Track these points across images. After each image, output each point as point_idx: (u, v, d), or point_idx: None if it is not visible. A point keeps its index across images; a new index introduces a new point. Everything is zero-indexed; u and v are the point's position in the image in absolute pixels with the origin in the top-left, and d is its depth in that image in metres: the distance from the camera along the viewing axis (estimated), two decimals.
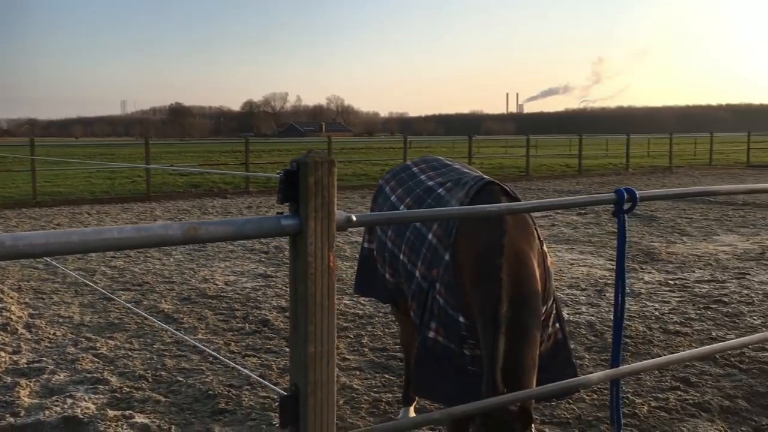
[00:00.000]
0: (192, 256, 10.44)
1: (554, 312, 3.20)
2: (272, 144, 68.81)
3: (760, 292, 7.87)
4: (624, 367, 2.57)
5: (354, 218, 2.04)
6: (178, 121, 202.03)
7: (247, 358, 5.76)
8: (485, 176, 3.46)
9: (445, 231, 3.16)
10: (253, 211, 16.16)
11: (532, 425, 2.54)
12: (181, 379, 5.28)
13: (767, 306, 7.25)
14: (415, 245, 3.35)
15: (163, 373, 5.42)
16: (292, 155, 43.77)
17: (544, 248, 3.16)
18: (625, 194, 2.58)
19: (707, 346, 3.07)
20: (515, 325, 2.75)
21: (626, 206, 2.61)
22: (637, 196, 2.60)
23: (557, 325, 3.22)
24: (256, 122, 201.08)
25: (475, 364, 3.01)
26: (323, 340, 1.99)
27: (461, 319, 2.99)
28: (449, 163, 3.94)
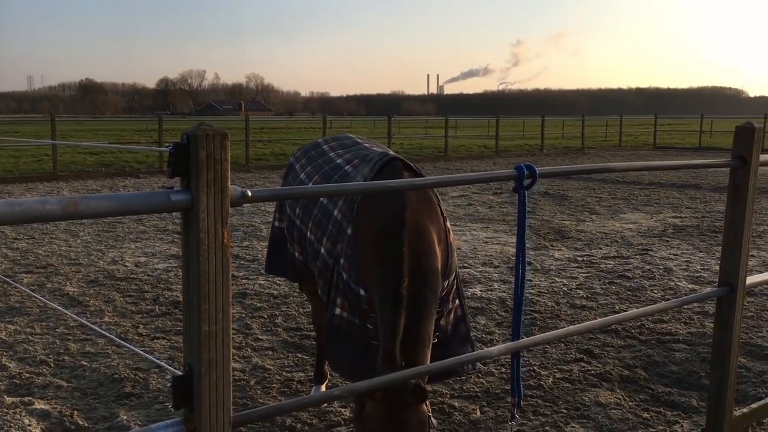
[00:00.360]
0: (101, 237, 10.06)
1: (455, 287, 3.24)
2: (189, 122, 66.99)
3: (661, 267, 8.25)
4: (523, 340, 2.63)
5: (249, 193, 1.99)
6: (88, 98, 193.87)
7: (156, 340, 5.61)
8: (391, 152, 3.45)
9: (348, 206, 3.15)
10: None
11: (427, 401, 2.58)
12: (85, 363, 5.09)
13: (667, 280, 7.61)
14: (322, 222, 3.32)
15: (66, 357, 5.21)
16: None
17: (447, 224, 3.19)
18: (525, 171, 2.63)
19: (601, 319, 3.19)
20: (414, 300, 2.76)
21: (526, 182, 2.66)
22: (537, 172, 2.65)
23: (457, 301, 3.26)
24: (172, 100, 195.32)
25: (378, 337, 3.02)
26: (217, 319, 1.94)
27: (362, 292, 2.99)
28: (360, 141, 3.92)
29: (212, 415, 1.96)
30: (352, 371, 3.24)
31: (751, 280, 3.71)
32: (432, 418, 2.75)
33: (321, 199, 3.34)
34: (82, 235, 10.21)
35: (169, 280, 7.57)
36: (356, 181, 3.25)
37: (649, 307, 3.42)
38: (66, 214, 1.68)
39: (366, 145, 3.81)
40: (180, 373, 1.99)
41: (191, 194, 1.85)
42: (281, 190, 2.16)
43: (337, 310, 3.10)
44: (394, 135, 28.66)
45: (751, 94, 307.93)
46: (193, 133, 1.83)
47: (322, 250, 3.27)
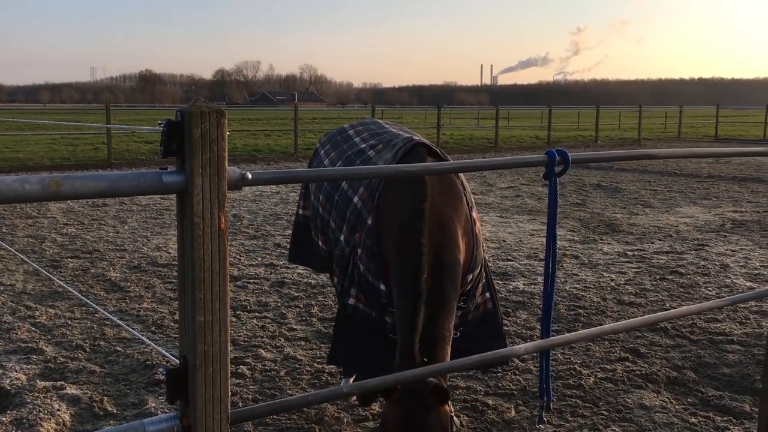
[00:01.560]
0: (147, 224, 10.18)
1: (483, 281, 3.06)
2: (243, 113, 67.87)
3: (717, 263, 7.86)
4: (552, 338, 2.45)
5: (249, 176, 1.86)
6: (148, 88, 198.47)
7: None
8: (417, 137, 3.29)
9: (370, 194, 3.00)
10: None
11: (450, 402, 2.42)
12: (119, 349, 5.10)
13: (723, 277, 7.24)
14: (341, 209, 3.18)
15: (101, 342, 5.23)
16: (262, 124, 43.06)
17: (474, 214, 3.01)
18: (557, 156, 2.44)
19: (643, 317, 2.96)
20: (434, 294, 2.61)
21: (558, 169, 2.47)
22: (569, 158, 2.46)
23: (487, 294, 3.09)
24: (228, 91, 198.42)
25: (396, 330, 2.87)
26: (214, 309, 1.82)
27: (382, 287, 2.84)
28: (387, 126, 3.76)
29: (208, 411, 1.85)
30: (357, 366, 3.10)
31: None
32: (455, 418, 2.60)
33: (342, 184, 3.20)
34: (130, 221, 10.34)
35: None
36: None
37: (698, 304, 3.18)
38: (47, 195, 1.58)
39: (393, 130, 3.65)
40: (175, 365, 1.88)
41: (185, 175, 1.73)
42: (283, 172, 2.03)
43: (351, 301, 2.96)
44: (444, 125, 28.35)
45: None
46: (187, 110, 1.71)
47: (341, 238, 3.13)
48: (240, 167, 1.85)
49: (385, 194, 2.91)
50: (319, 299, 6.36)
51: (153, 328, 5.57)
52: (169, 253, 8.27)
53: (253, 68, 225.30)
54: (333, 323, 5.72)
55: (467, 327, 2.82)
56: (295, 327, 5.61)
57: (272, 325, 5.59)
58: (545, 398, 2.61)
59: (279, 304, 6.22)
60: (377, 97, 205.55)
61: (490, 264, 4.36)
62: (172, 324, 5.66)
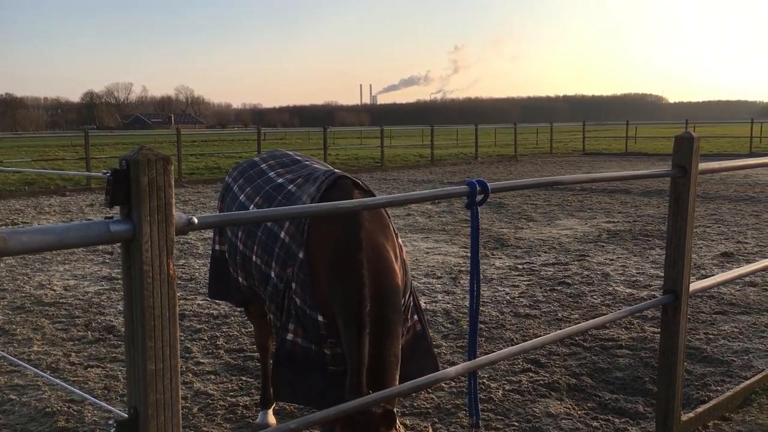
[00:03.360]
0: (26, 260, 9.59)
1: (412, 304, 3.17)
2: (116, 137, 65.20)
3: (599, 272, 8.40)
4: (480, 359, 2.58)
5: (196, 221, 1.87)
6: (9, 113, 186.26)
7: (89, 369, 5.33)
8: (336, 170, 3.36)
9: (297, 228, 3.03)
10: (95, 210, 15.16)
11: (397, 423, 2.49)
12: (14, 397, 4.79)
13: (605, 285, 7.75)
14: (268, 245, 3.19)
15: None
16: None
17: (399, 241, 3.12)
18: (477, 186, 2.58)
19: (559, 331, 3.17)
20: (379, 322, 2.68)
21: (478, 198, 2.61)
22: (489, 188, 2.61)
23: (415, 316, 3.19)
24: (98, 114, 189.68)
25: (336, 362, 2.92)
26: (165, 356, 1.81)
27: (320, 318, 2.88)
28: (299, 158, 3.81)
29: None
30: (299, 398, 3.12)
31: (694, 286, 3.77)
32: None
33: None
34: (6, 258, 9.71)
35: (101, 303, 7.25)
36: (303, 201, 3.14)
37: (598, 318, 3.43)
38: None
39: (306, 162, 3.70)
40: (124, 415, 1.85)
41: (133, 224, 1.72)
42: (230, 215, 2.05)
43: (290, 336, 2.98)
44: (330, 146, 28.53)
45: (671, 100, 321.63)
46: (133, 158, 1.71)
47: (272, 274, 3.14)
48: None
49: (316, 227, 2.95)
50: (224, 330, 6.25)
51: (48, 373, 5.27)
52: (54, 290, 7.85)
53: (125, 90, 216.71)
54: (240, 354, 5.67)
55: (402, 352, 2.90)
56: (202, 361, 5.49)
57: (179, 358, 5.44)
58: (474, 417, 2.73)
59: (182, 337, 6.06)
60: (258, 117, 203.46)
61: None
62: (68, 367, 5.38)
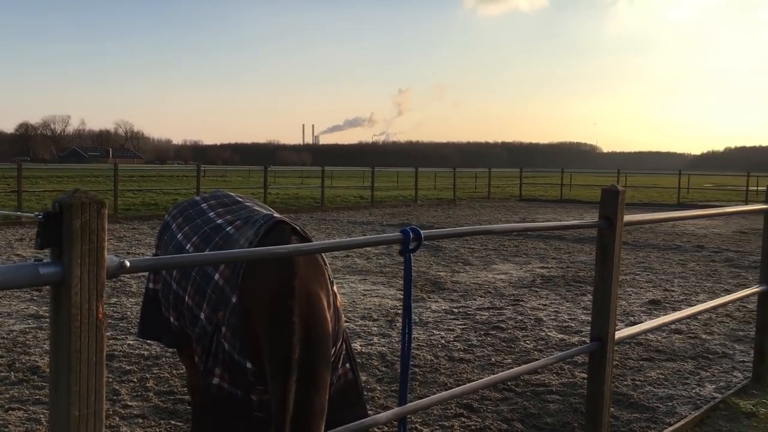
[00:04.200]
0: None
1: (344, 352, 3.19)
2: (51, 170, 63.44)
3: (532, 317, 8.57)
4: (411, 404, 2.61)
5: (128, 264, 1.87)
6: None
7: (11, 412, 5.12)
8: (276, 214, 3.38)
9: (232, 271, 3.03)
10: (25, 244, 14.65)
11: None
12: None
13: (538, 330, 7.91)
14: (201, 286, 3.17)
15: None
16: (74, 183, 40.40)
17: (334, 288, 3.14)
18: (411, 234, 2.65)
19: (492, 376, 3.23)
20: (306, 370, 2.68)
21: (411, 245, 2.68)
22: (422, 235, 2.68)
23: (347, 364, 3.21)
24: (32, 146, 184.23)
25: (263, 409, 2.90)
26: (89, 401, 1.78)
27: (248, 365, 2.87)
28: (240, 199, 3.82)
29: None
30: None
31: (620, 334, 3.91)
32: None
33: None
34: None
35: (27, 342, 6.98)
36: (240, 245, 3.15)
37: (529, 364, 3.52)
38: None
39: (248, 204, 3.70)
40: None
41: (63, 267, 1.71)
42: (163, 260, 2.05)
43: (215, 380, 2.95)
44: (270, 185, 28.45)
45: (605, 150, 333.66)
46: (66, 202, 1.70)
47: (202, 316, 3.11)
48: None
49: (251, 272, 2.95)
50: (154, 372, 6.10)
51: None
52: None
53: (62, 122, 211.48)
54: (170, 397, 5.53)
55: (330, 399, 2.90)
56: (130, 404, 5.33)
57: (104, 403, 5.28)
58: None
59: (110, 379, 5.88)
60: (198, 154, 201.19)
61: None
62: None
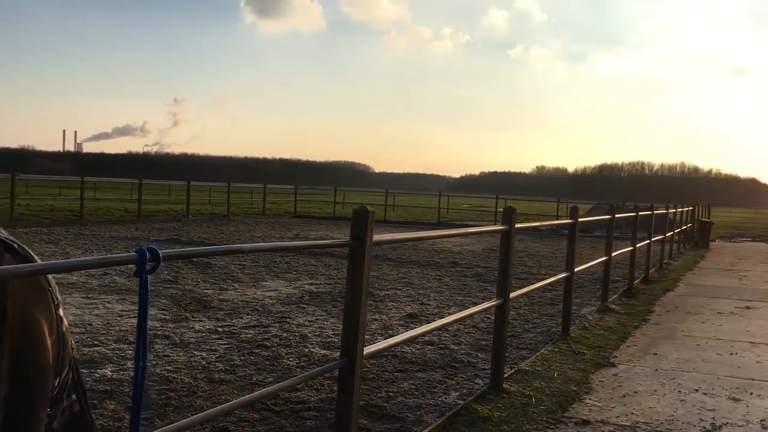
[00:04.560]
0: None
1: (70, 382, 2.92)
2: None
3: (297, 334, 8.63)
4: None
5: None
6: None
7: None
8: None
9: None
10: None
11: None
12: None
13: (302, 347, 7.97)
14: None
15: None
16: None
17: (61, 312, 2.87)
18: (148, 254, 2.51)
19: (242, 398, 3.16)
20: (16, 406, 2.40)
21: (149, 266, 2.53)
22: (161, 255, 2.55)
23: (74, 396, 2.94)
24: None
25: None
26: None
27: None
28: None
29: None
30: None
31: (368, 350, 4.05)
32: None
33: None
34: None
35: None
36: None
37: (279, 384, 3.51)
38: None
39: None
40: None
41: None
42: None
43: None
44: (20, 195, 25.79)
45: (377, 170, 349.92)
46: None
47: None
48: None
49: None
50: None
51: None
52: None
53: None
54: None
55: None
56: None
57: None
58: None
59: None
60: None
61: (75, 351, 4.11)
62: None
